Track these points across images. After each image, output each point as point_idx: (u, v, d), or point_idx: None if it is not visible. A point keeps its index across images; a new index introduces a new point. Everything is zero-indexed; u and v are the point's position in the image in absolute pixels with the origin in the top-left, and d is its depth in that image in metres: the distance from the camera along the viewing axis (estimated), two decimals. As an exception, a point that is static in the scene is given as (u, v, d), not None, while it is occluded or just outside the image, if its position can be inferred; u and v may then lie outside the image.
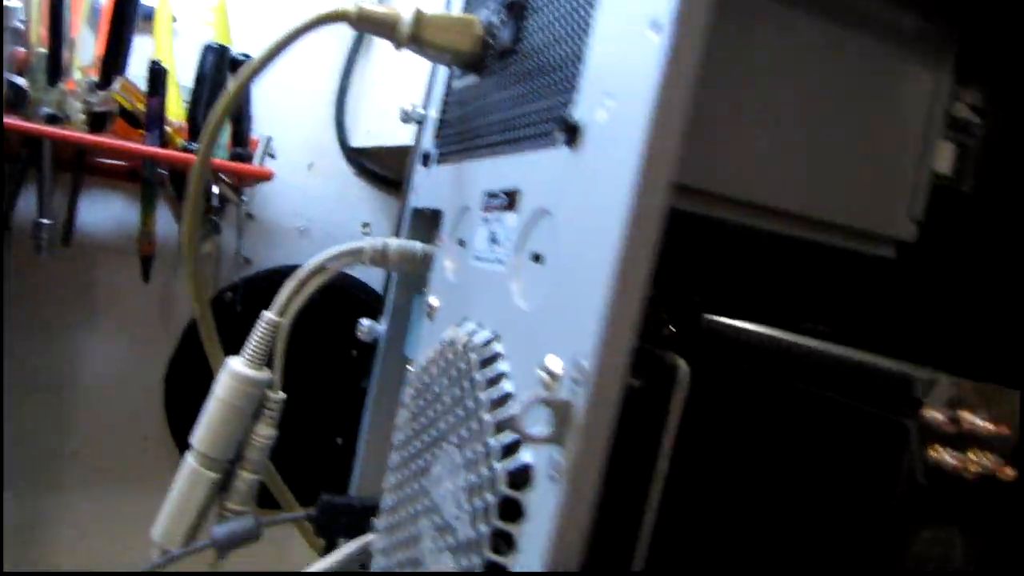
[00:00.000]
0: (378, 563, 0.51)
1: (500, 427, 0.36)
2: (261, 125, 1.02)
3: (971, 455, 0.40)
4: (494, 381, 0.38)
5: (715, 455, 0.47)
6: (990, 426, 0.40)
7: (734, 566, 0.46)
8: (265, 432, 0.62)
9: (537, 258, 0.39)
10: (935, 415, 0.39)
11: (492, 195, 0.46)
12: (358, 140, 1.14)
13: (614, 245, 0.31)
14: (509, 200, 0.43)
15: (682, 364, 0.35)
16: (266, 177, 0.91)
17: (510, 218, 0.42)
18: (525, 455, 0.35)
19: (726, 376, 0.47)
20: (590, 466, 0.32)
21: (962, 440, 0.40)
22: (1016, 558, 0.51)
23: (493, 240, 0.44)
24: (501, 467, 0.35)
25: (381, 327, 0.69)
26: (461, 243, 0.51)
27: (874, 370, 0.42)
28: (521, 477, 0.35)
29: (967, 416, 0.40)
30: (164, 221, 1.00)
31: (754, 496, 0.46)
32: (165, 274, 1.03)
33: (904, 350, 0.45)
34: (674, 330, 0.55)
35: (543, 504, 0.33)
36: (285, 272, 0.62)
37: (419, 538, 0.43)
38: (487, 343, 0.41)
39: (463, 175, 0.53)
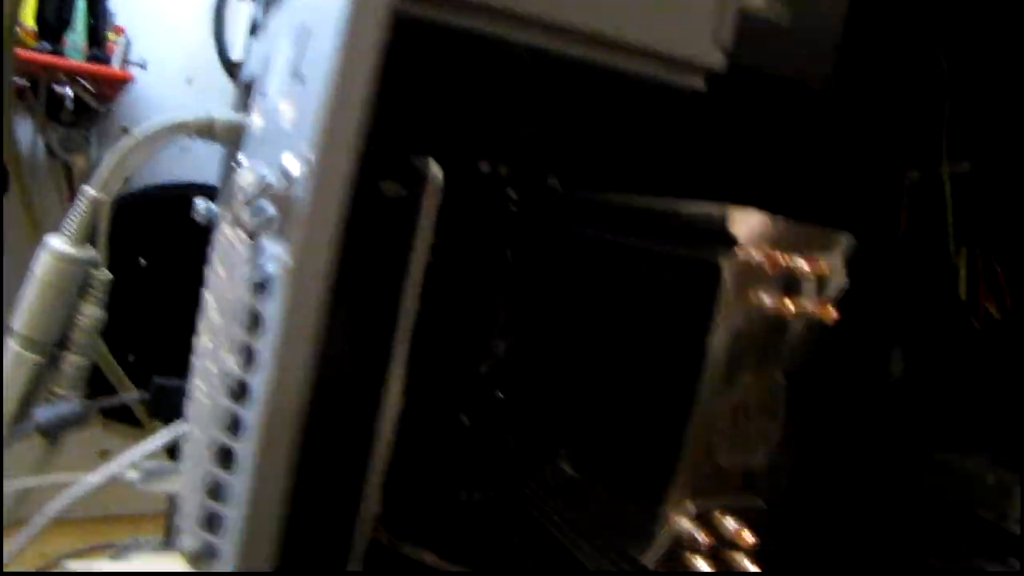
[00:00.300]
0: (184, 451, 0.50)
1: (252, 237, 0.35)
2: (139, 43, 0.99)
3: (791, 297, 0.40)
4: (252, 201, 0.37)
5: (552, 312, 0.47)
6: (809, 267, 0.40)
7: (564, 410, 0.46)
8: (90, 312, 0.60)
9: (300, 79, 0.38)
10: (751, 255, 0.39)
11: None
12: (239, 54, 1.10)
13: (337, 46, 0.30)
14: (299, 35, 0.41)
15: (434, 168, 0.35)
16: (126, 80, 0.88)
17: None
18: (269, 265, 0.34)
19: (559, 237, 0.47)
20: (316, 261, 0.31)
21: (782, 282, 0.40)
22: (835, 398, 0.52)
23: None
24: (247, 275, 0.34)
25: (215, 207, 0.68)
26: (263, 95, 0.49)
27: (689, 215, 0.42)
28: (264, 287, 0.34)
29: (785, 257, 0.40)
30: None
31: (583, 350, 0.46)
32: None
33: (719, 191, 0.45)
34: (515, 196, 0.54)
35: (275, 308, 0.32)
36: (161, 189, 0.59)
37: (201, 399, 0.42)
38: (259, 176, 0.40)
39: (270, 30, 0.51)
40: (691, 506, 0.40)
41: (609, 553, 0.43)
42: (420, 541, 0.46)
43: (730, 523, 0.41)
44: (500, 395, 0.55)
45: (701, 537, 0.40)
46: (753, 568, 0.42)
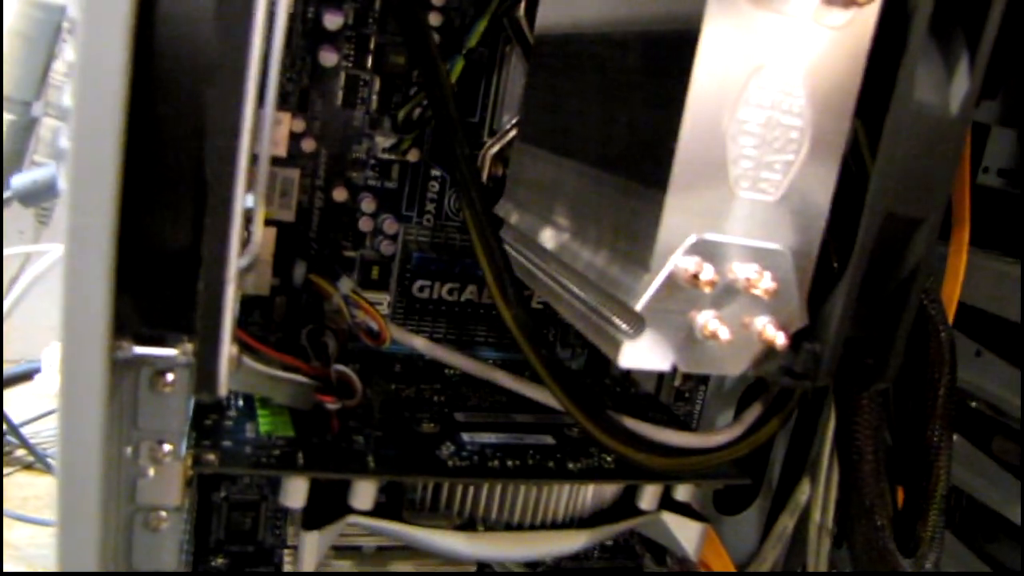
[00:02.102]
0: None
1: None
2: None
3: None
4: None
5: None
6: None
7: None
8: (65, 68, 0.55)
9: None
10: None
11: None
12: None
13: None
14: None
15: None
16: None
17: None
18: None
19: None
20: None
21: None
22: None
23: None
24: None
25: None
26: None
27: None
28: None
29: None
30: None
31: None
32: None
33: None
34: None
35: None
36: None
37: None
38: None
39: None
40: (692, 236, 0.33)
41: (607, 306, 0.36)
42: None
43: (743, 265, 0.34)
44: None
45: (703, 272, 0.32)
46: (772, 327, 0.35)
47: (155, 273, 0.29)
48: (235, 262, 0.27)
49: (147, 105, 0.26)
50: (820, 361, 0.37)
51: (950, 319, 0.54)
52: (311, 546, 0.40)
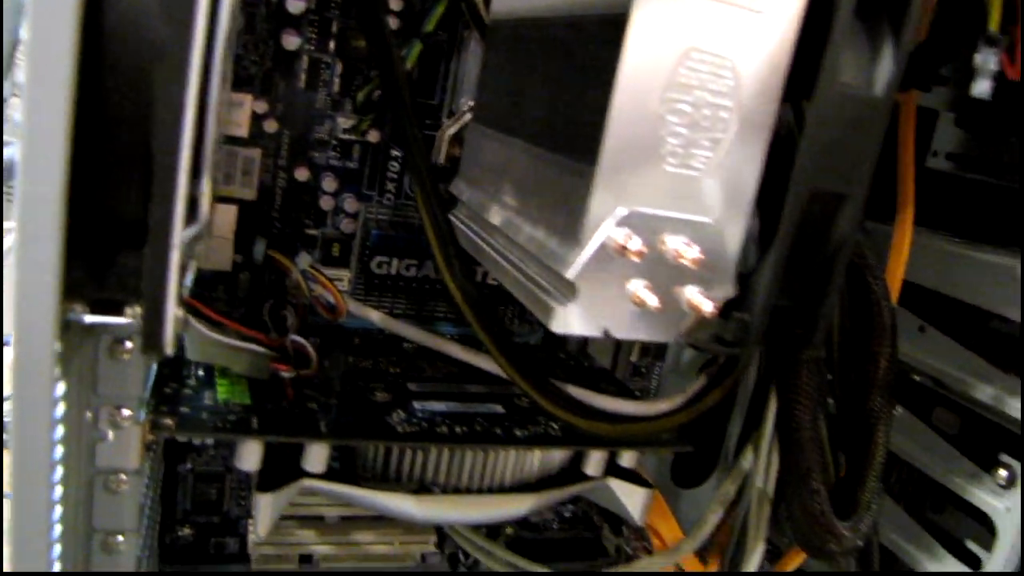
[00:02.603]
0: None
1: None
2: None
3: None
4: None
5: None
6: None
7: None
8: None
9: None
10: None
11: None
12: None
13: None
14: None
15: None
16: None
17: None
18: None
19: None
20: None
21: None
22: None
23: None
24: None
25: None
26: None
27: None
28: None
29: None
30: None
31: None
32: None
33: None
34: None
35: None
36: None
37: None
38: None
39: None
40: (622, 209, 0.35)
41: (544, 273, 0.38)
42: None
43: (673, 236, 0.36)
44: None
45: (631, 243, 0.34)
46: (700, 295, 0.37)
47: (107, 241, 0.30)
48: (179, 231, 0.29)
49: (96, 82, 0.28)
50: (748, 329, 0.39)
51: (895, 296, 0.57)
52: (265, 507, 0.42)
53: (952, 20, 0.48)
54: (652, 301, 0.35)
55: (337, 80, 0.53)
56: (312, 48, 0.52)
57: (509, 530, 0.67)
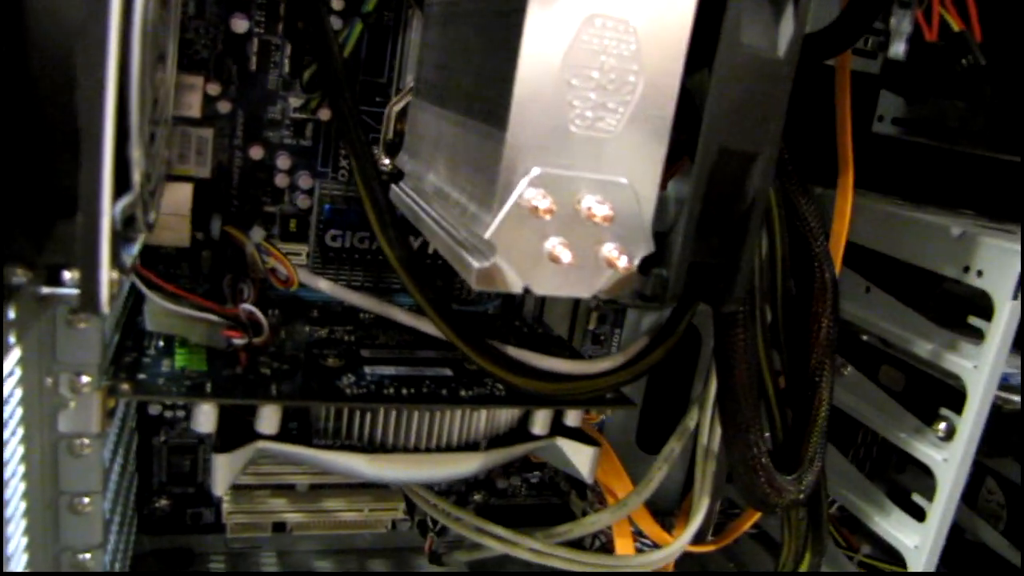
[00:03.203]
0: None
1: None
2: None
3: None
4: None
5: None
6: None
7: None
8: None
9: None
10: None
11: None
12: None
13: None
14: None
15: None
16: None
17: None
18: None
19: None
20: None
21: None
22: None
23: None
24: None
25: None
26: None
27: None
28: None
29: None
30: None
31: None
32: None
33: None
34: None
35: None
36: None
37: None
38: None
39: None
40: (535, 170, 0.37)
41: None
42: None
43: (587, 196, 0.39)
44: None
45: (540, 202, 0.37)
46: (615, 252, 0.40)
47: (44, 211, 0.33)
48: (108, 199, 0.32)
49: (21, 62, 0.31)
50: (666, 285, 0.41)
51: (838, 258, 0.59)
52: (221, 467, 0.45)
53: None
54: (566, 257, 0.38)
55: (287, 61, 0.56)
56: (261, 31, 0.55)
57: (478, 496, 0.70)
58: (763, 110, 0.41)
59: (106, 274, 0.33)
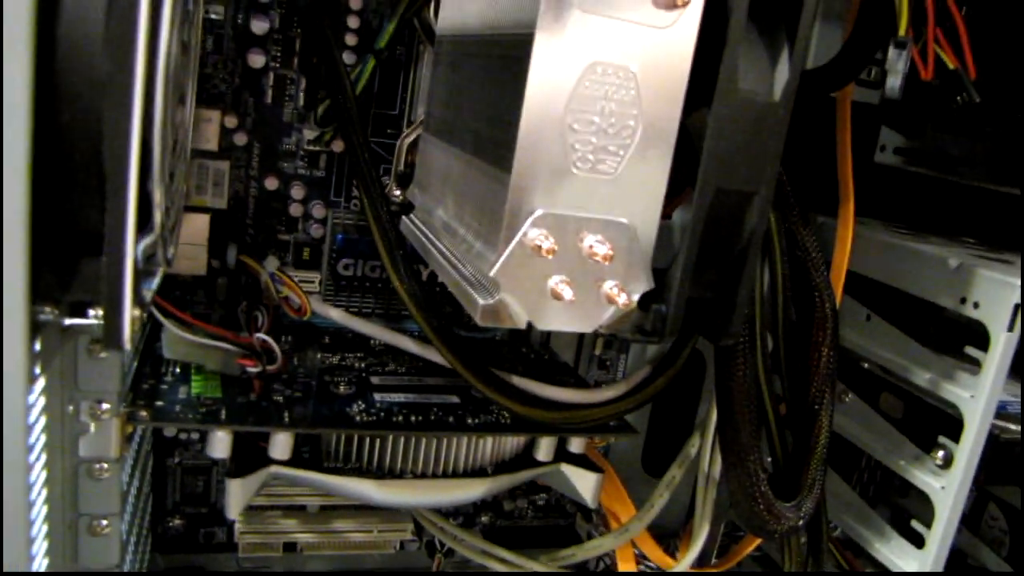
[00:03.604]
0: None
1: None
2: None
3: None
4: None
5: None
6: None
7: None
8: None
9: None
10: None
11: None
12: None
13: None
14: None
15: None
16: None
17: None
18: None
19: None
20: None
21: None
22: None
23: None
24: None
25: None
26: None
27: None
28: None
29: None
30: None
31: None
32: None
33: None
34: None
35: None
36: None
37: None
38: None
39: None
40: (538, 212, 0.39)
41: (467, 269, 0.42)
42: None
43: (588, 235, 0.40)
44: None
45: (543, 242, 0.39)
46: (616, 289, 0.41)
47: (70, 251, 0.35)
48: (131, 239, 0.34)
49: (51, 114, 0.33)
50: (665, 320, 0.43)
51: (839, 286, 0.61)
52: (234, 492, 0.47)
53: (870, 24, 0.52)
54: (568, 295, 0.40)
55: (302, 95, 0.58)
56: (277, 66, 0.57)
57: (484, 518, 0.71)
58: (759, 152, 0.42)
59: (128, 312, 0.35)
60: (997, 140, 0.61)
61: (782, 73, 0.42)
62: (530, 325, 0.41)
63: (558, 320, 0.41)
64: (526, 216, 0.39)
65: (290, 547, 0.65)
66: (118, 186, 0.33)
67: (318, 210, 0.60)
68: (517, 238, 0.39)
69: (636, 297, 0.42)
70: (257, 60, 0.56)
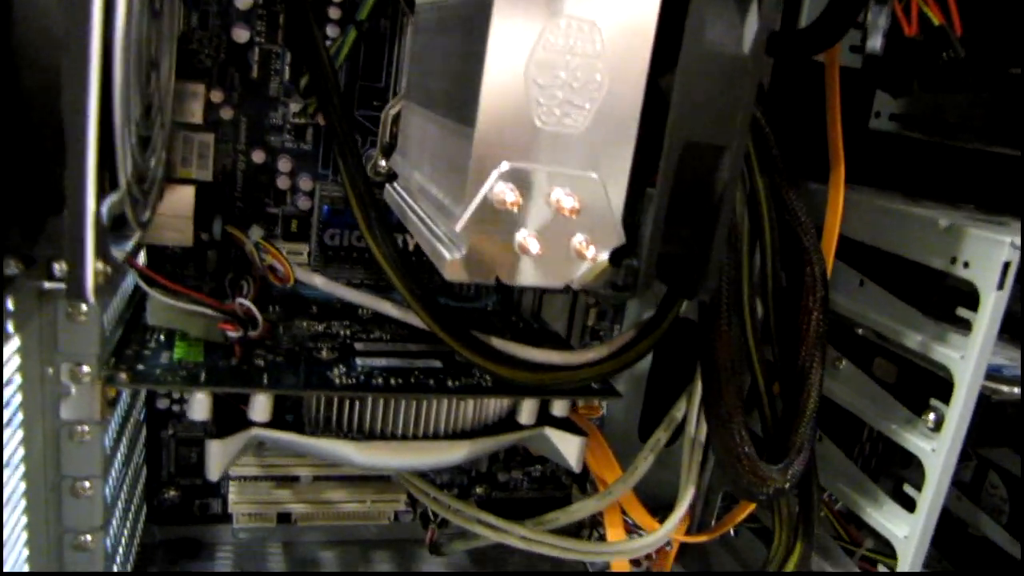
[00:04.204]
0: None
1: None
2: None
3: None
4: None
5: None
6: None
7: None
8: None
9: None
10: None
11: None
12: None
13: None
14: None
15: None
16: None
17: None
18: None
19: None
20: None
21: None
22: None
23: None
24: None
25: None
26: None
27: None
28: None
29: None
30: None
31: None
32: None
33: None
34: None
35: None
36: None
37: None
38: None
39: None
40: (504, 165, 0.39)
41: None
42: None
43: (556, 189, 0.40)
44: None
45: (507, 196, 0.39)
46: (584, 243, 0.41)
47: (35, 209, 0.36)
48: (91, 196, 0.34)
49: (13, 73, 0.34)
50: (637, 275, 0.43)
51: (831, 252, 0.60)
52: (214, 453, 0.48)
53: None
54: (535, 248, 0.40)
55: (287, 68, 0.58)
56: (262, 40, 0.58)
57: (480, 490, 0.72)
58: (729, 105, 0.42)
59: (91, 264, 0.35)
60: (993, 103, 0.60)
61: (751, 26, 0.42)
62: (499, 280, 0.41)
63: (527, 275, 0.41)
64: (491, 170, 0.39)
65: (284, 518, 0.66)
66: (76, 143, 0.34)
67: (305, 183, 0.60)
68: (483, 192, 0.39)
69: (606, 252, 0.41)
70: (242, 35, 0.57)
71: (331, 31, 0.57)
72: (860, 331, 0.63)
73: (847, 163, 0.60)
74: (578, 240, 0.41)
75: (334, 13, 0.58)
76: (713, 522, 0.71)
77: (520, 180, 0.40)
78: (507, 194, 0.39)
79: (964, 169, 0.71)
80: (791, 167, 0.57)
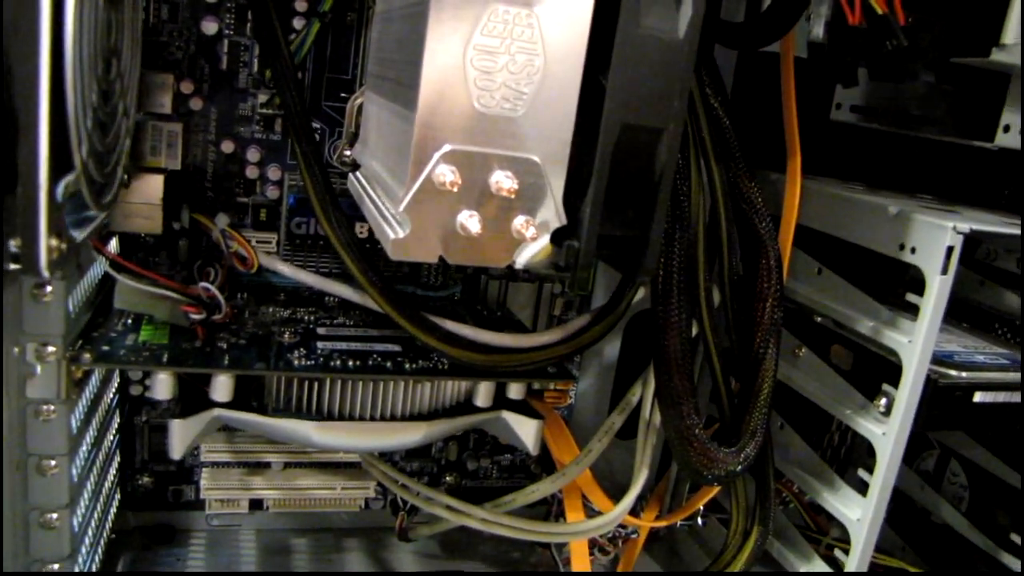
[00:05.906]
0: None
1: None
2: None
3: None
4: None
5: None
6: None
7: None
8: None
9: None
10: None
11: None
12: None
13: None
14: None
15: None
16: None
17: None
18: None
19: None
20: None
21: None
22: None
23: None
24: None
25: None
26: None
27: None
28: None
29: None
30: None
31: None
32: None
33: None
34: None
35: None
36: None
37: None
38: None
39: None
40: (446, 147, 0.41)
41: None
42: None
43: (496, 171, 0.42)
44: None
45: (448, 178, 0.41)
46: (524, 224, 0.43)
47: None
48: (44, 174, 0.37)
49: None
50: (578, 255, 0.45)
51: (788, 240, 0.62)
52: (176, 432, 0.50)
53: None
54: (475, 228, 0.42)
55: (255, 60, 0.61)
56: (231, 32, 0.60)
57: (450, 478, 0.74)
58: (665, 88, 0.44)
59: (44, 240, 0.37)
60: (955, 94, 0.62)
61: (686, 11, 0.44)
62: (442, 259, 0.43)
63: (469, 255, 0.43)
64: (433, 152, 0.41)
65: (257, 505, 0.68)
66: (29, 122, 0.36)
67: (274, 172, 0.63)
68: (425, 173, 0.41)
69: (547, 233, 0.43)
70: (211, 27, 0.59)
71: (297, 23, 0.59)
72: (819, 319, 0.65)
73: (810, 154, 0.62)
74: (519, 221, 0.43)
75: (300, 6, 0.60)
76: (680, 505, 0.73)
77: (461, 162, 0.41)
78: (448, 175, 0.41)
79: (925, 160, 0.72)
80: (753, 157, 0.59)
